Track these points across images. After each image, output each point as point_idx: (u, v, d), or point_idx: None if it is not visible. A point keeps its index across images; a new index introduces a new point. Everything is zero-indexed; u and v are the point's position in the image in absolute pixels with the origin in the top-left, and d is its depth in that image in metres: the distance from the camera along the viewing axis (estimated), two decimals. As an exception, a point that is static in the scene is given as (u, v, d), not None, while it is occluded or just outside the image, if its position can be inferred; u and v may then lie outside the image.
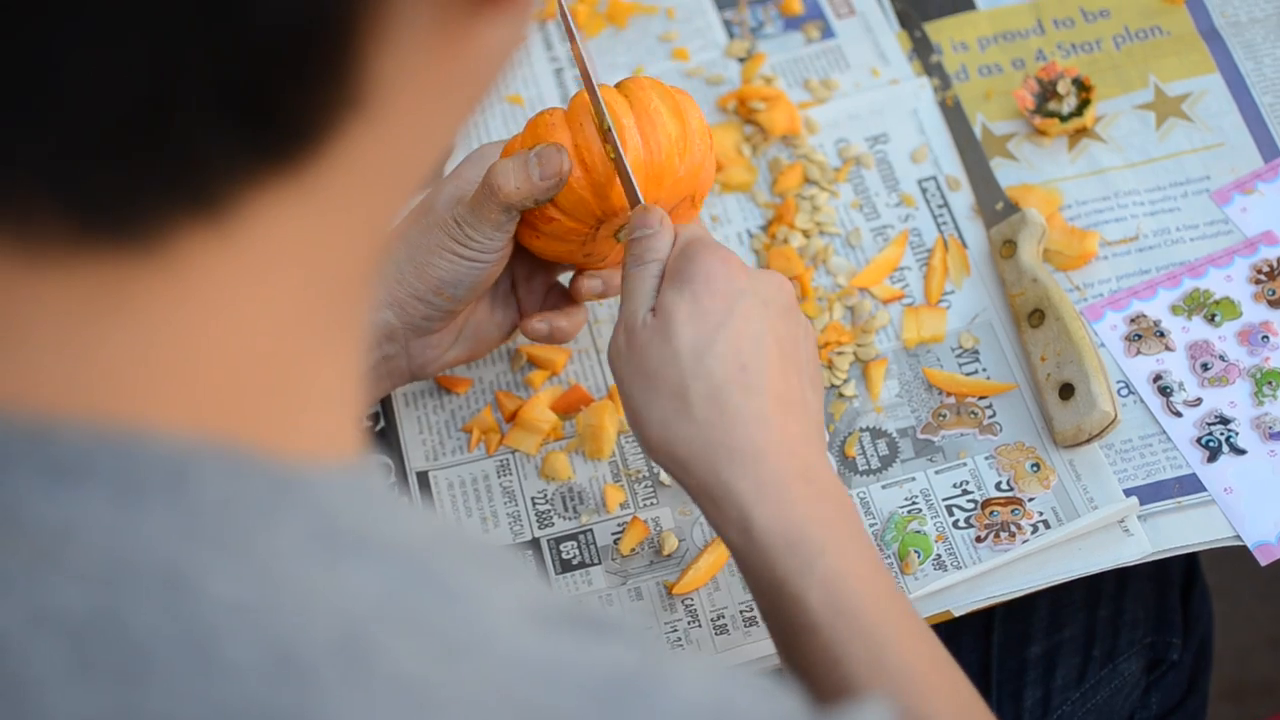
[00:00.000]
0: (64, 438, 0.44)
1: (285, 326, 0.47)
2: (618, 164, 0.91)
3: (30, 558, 0.42)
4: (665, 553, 1.01)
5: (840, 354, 1.07)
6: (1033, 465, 1.02)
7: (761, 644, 0.97)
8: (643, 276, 0.88)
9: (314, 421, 0.49)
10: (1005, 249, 1.08)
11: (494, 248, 0.93)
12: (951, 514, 1.00)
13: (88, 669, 0.41)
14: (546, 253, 0.98)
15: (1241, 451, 1.00)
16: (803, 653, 0.80)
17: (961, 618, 0.98)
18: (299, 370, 0.48)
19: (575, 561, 1.02)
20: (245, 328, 0.46)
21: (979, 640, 1.09)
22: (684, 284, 0.85)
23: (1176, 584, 1.13)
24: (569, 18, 0.93)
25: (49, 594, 0.42)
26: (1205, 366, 1.04)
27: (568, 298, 1.03)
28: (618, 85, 0.94)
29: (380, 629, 0.44)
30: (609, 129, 0.91)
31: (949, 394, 1.05)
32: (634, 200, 0.91)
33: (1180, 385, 1.03)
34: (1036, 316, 1.05)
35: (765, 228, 1.14)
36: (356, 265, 0.50)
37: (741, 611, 0.98)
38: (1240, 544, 0.98)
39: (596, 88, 0.91)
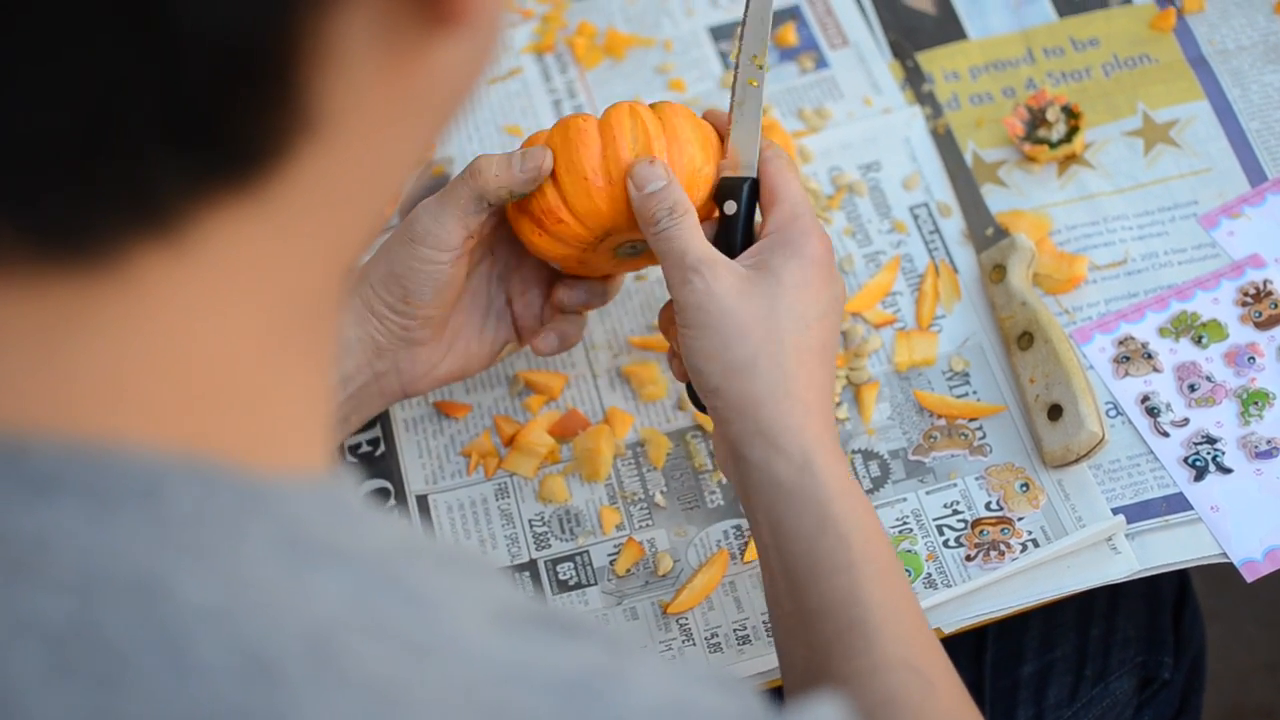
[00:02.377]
0: (39, 452, 0.45)
1: (249, 344, 0.48)
2: (754, 93, 0.96)
3: (8, 568, 0.44)
4: (660, 573, 1.03)
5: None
6: (1022, 485, 1.03)
7: (754, 661, 0.98)
8: (691, 228, 0.92)
9: (282, 436, 0.50)
10: (995, 273, 1.10)
11: (449, 244, 0.95)
12: (942, 533, 1.02)
13: (66, 674, 0.43)
14: (544, 251, 0.98)
15: (1228, 470, 1.02)
16: (822, 591, 0.84)
17: (954, 637, 0.99)
18: (265, 387, 0.49)
19: (572, 582, 1.03)
20: (209, 345, 0.47)
21: (972, 660, 1.10)
22: (796, 255, 0.92)
23: (1168, 603, 1.15)
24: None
25: (27, 603, 0.43)
26: (1192, 387, 1.05)
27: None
28: (653, 106, 0.98)
29: (347, 632, 0.45)
30: (761, 64, 0.97)
31: (940, 416, 1.07)
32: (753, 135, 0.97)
33: (1168, 406, 1.05)
34: (1026, 339, 1.06)
35: (759, 254, 1.15)
36: (321, 286, 0.51)
37: (735, 630, 1.00)
38: (1226, 561, 0.99)
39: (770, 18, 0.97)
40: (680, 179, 0.95)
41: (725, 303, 0.89)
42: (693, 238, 0.92)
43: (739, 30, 0.97)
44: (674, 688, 0.49)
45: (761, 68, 0.96)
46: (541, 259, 1.01)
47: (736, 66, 0.97)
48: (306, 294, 0.50)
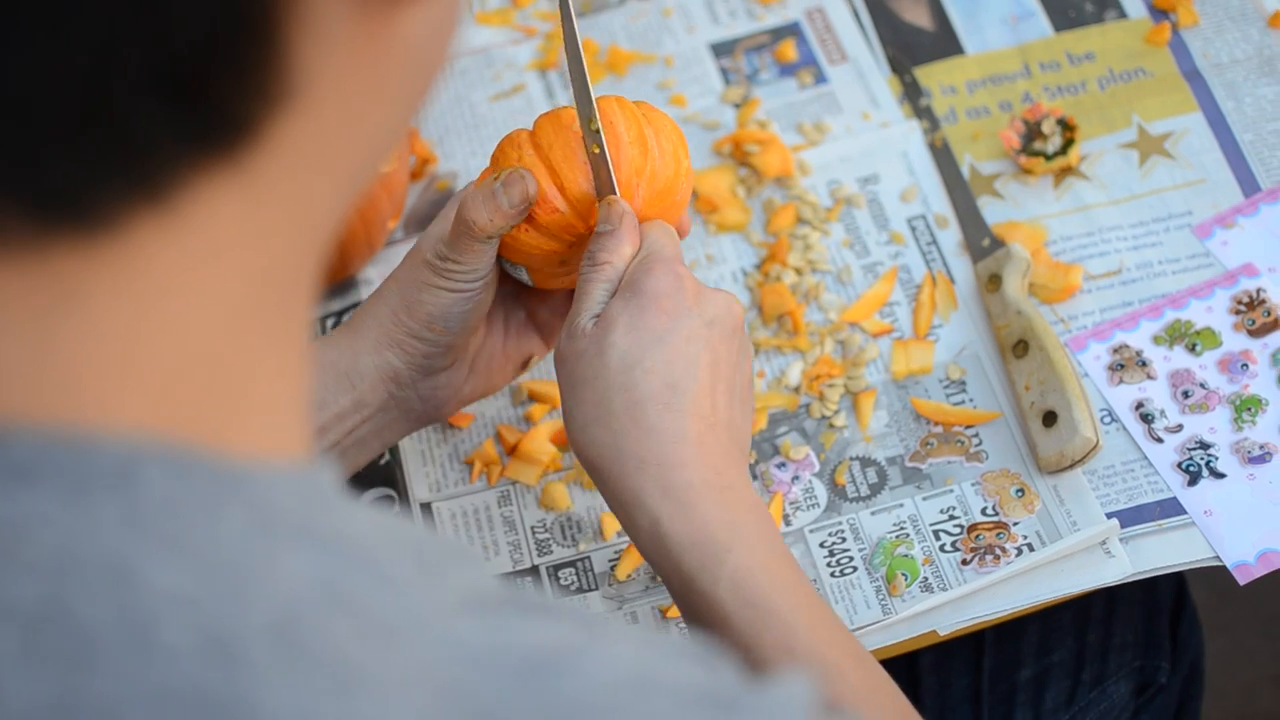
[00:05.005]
0: (17, 440, 0.46)
1: (230, 317, 0.49)
2: (598, 159, 0.93)
3: None
4: (660, 579, 1.04)
5: (831, 386, 1.10)
6: (1018, 491, 1.04)
7: (752, 664, 0.99)
8: (594, 280, 0.90)
9: (259, 419, 0.51)
10: (991, 283, 1.12)
11: (478, 276, 0.95)
12: (938, 538, 1.03)
13: (37, 655, 0.44)
14: (525, 249, 0.96)
15: (1221, 475, 1.03)
16: (720, 642, 0.83)
17: (953, 643, 1.01)
18: (243, 366, 0.50)
19: (574, 587, 1.05)
20: (191, 317, 0.49)
21: (970, 665, 1.11)
22: (632, 295, 0.89)
23: (1165, 609, 1.16)
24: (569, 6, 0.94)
25: (2, 587, 0.45)
26: (1186, 394, 1.07)
27: None
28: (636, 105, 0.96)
29: (315, 611, 0.46)
30: (596, 128, 0.93)
31: (936, 423, 1.08)
32: (607, 189, 0.93)
33: (1161, 412, 1.06)
34: (1021, 347, 1.08)
35: (759, 266, 1.17)
36: (297, 260, 0.52)
37: (733, 633, 1.01)
38: (1220, 565, 1.00)
39: (589, 82, 0.93)
40: (664, 169, 0.95)
41: (569, 365, 0.89)
42: (594, 294, 0.90)
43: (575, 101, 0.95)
44: (640, 661, 0.50)
45: (597, 131, 0.93)
46: (515, 262, 0.98)
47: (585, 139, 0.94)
48: (283, 269, 0.51)
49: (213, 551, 0.46)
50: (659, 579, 0.88)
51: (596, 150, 0.93)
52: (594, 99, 0.93)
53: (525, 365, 1.06)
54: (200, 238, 0.48)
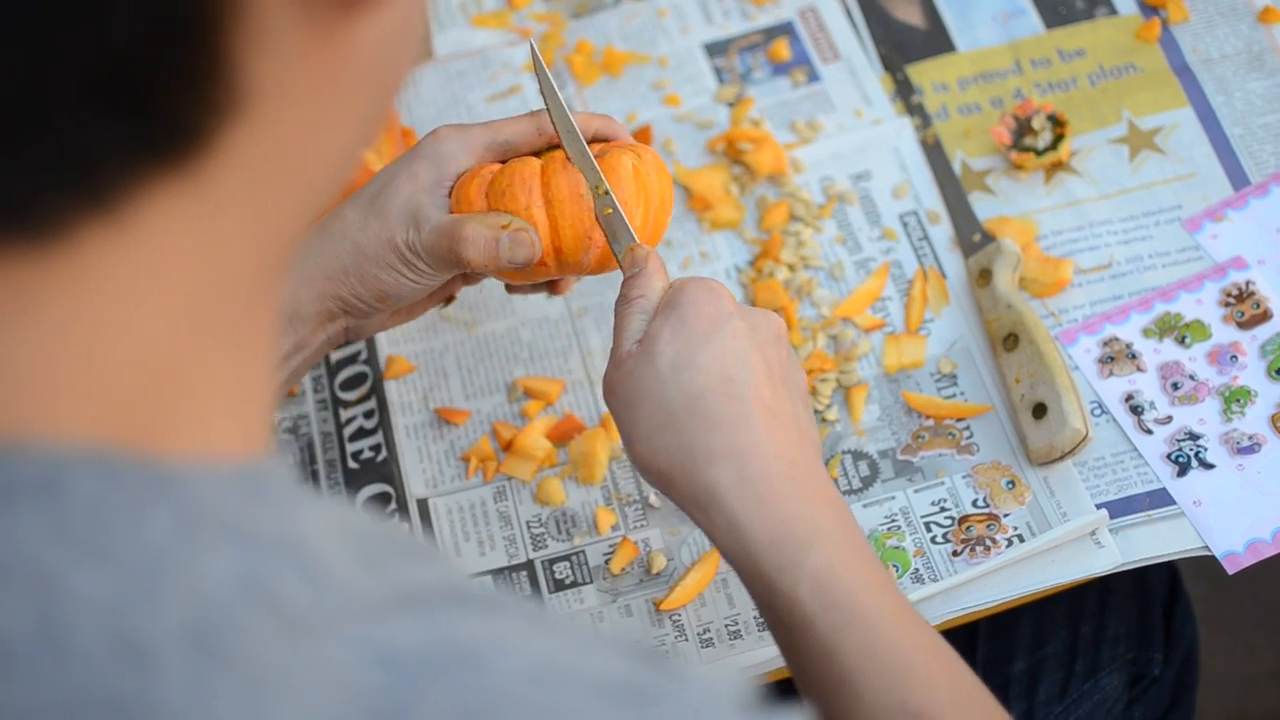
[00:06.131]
0: None
1: (181, 327, 0.49)
2: (610, 219, 0.95)
3: None
4: (654, 571, 1.05)
5: (823, 380, 1.11)
6: (1008, 483, 1.05)
7: (745, 655, 1.00)
8: (630, 314, 0.91)
9: (210, 423, 0.50)
10: (981, 278, 1.12)
11: (445, 278, 0.97)
12: (930, 530, 1.04)
13: None
14: (505, 273, 0.98)
15: (1210, 466, 1.04)
16: (800, 650, 0.81)
17: (947, 635, 1.01)
18: (195, 371, 0.50)
19: (568, 581, 1.06)
20: (142, 327, 0.48)
21: (964, 657, 1.11)
22: (672, 310, 0.88)
23: (1159, 601, 1.16)
24: (546, 74, 0.97)
25: None
26: (1175, 386, 1.07)
27: None
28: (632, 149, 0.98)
29: (230, 613, 0.46)
30: (605, 190, 0.94)
31: (928, 416, 1.09)
32: (627, 240, 0.95)
33: (1151, 404, 1.07)
34: (1011, 340, 1.08)
35: (752, 262, 1.18)
36: (255, 270, 0.51)
37: (726, 625, 1.02)
38: (1208, 554, 1.01)
39: (591, 157, 0.95)
40: (656, 224, 0.97)
41: (620, 388, 0.88)
42: (633, 325, 0.90)
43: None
44: (559, 653, 0.50)
45: (607, 193, 0.94)
46: (504, 278, 1.01)
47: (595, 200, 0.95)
48: (240, 278, 0.51)
49: (134, 555, 0.46)
50: (744, 586, 0.85)
51: (609, 211, 0.94)
52: (596, 164, 0.95)
53: (448, 301, 1.07)
54: (152, 248, 0.48)
